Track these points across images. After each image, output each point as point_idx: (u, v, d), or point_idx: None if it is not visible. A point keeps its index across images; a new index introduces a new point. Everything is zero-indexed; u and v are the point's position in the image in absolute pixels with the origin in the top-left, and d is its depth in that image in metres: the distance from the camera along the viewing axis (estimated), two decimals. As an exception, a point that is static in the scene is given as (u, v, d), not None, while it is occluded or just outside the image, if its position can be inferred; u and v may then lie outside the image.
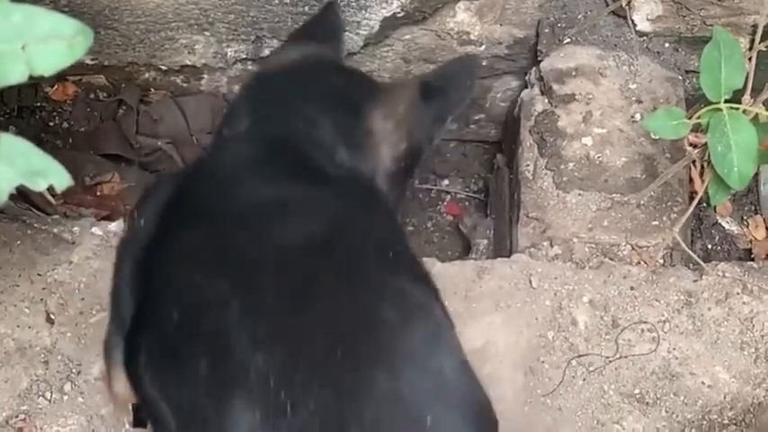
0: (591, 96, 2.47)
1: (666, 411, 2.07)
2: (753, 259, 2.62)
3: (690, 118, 2.03)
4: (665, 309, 2.17)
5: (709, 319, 2.17)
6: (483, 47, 2.67)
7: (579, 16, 2.58)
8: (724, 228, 2.73)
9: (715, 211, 2.74)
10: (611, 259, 2.27)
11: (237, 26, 2.57)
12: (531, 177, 2.41)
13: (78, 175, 2.64)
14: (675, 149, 2.36)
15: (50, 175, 1.17)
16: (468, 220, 2.96)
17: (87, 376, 2.07)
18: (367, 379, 1.40)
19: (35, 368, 2.07)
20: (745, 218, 2.76)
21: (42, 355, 2.09)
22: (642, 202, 2.34)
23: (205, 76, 2.80)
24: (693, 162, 2.25)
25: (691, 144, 2.10)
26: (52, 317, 2.13)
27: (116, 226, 2.27)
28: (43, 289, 2.15)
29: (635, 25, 2.52)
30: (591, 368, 2.11)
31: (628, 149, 2.41)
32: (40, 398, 2.03)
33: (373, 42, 2.64)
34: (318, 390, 1.37)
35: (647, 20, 2.51)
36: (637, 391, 2.09)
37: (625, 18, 2.49)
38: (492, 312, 2.15)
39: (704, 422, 2.07)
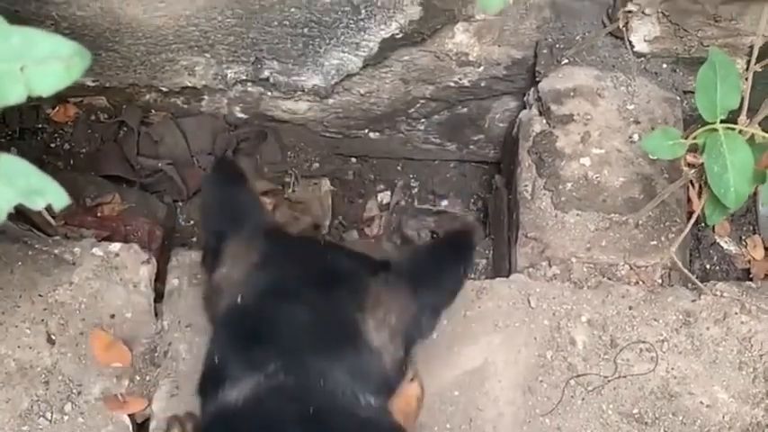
0: (589, 117, 2.48)
1: (665, 431, 2.07)
2: (751, 279, 2.63)
3: (686, 138, 2.03)
4: (664, 328, 2.17)
5: (707, 338, 2.17)
6: (481, 68, 2.68)
7: (577, 37, 2.58)
8: (722, 248, 2.73)
9: (713, 231, 2.74)
10: (609, 279, 2.27)
11: (237, 48, 2.58)
12: (529, 197, 2.41)
13: (79, 197, 2.64)
14: (673, 170, 2.37)
15: (49, 194, 1.17)
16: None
17: (88, 396, 2.08)
18: None
19: (36, 388, 2.07)
20: (743, 238, 2.77)
21: (43, 376, 2.09)
22: (640, 222, 2.34)
23: (205, 97, 2.81)
24: (692, 182, 2.25)
25: (688, 164, 2.09)
26: (53, 337, 2.13)
27: (116, 247, 2.27)
28: (44, 309, 2.16)
29: (632, 46, 2.52)
30: (589, 388, 2.11)
31: (626, 170, 2.41)
32: (41, 418, 2.04)
33: (372, 64, 2.65)
34: None
35: (645, 41, 2.52)
36: (635, 411, 2.09)
37: (623, 39, 2.49)
38: (491, 332, 2.16)
39: (703, 442, 2.08)
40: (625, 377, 2.13)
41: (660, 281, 2.29)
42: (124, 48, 2.56)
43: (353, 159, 3.27)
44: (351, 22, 2.49)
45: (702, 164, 2.01)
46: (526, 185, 2.43)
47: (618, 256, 2.31)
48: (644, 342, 2.16)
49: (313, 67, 2.65)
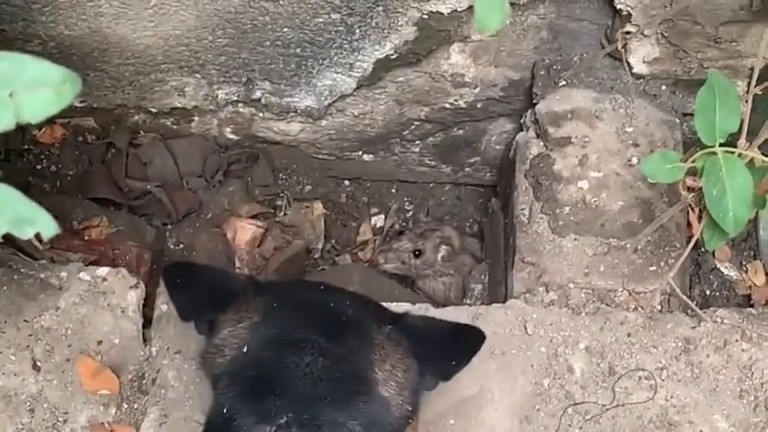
0: (587, 139, 2.46)
1: (665, 461, 2.05)
2: (752, 305, 2.61)
3: (685, 161, 2.01)
4: (663, 356, 2.15)
5: (707, 366, 2.14)
6: (477, 89, 2.67)
7: (575, 58, 2.57)
8: (723, 273, 2.72)
9: (714, 257, 2.73)
10: (607, 305, 2.25)
11: (228, 68, 2.57)
12: (526, 221, 2.39)
13: (66, 220, 2.63)
14: (673, 193, 2.35)
15: (38, 223, 1.16)
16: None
17: (74, 425, 2.06)
18: None
19: (21, 416, 2.05)
20: (744, 263, 2.75)
21: (28, 403, 2.07)
22: (639, 247, 2.32)
23: (195, 118, 2.79)
24: (692, 207, 2.23)
25: (688, 188, 2.07)
26: (38, 364, 2.11)
27: (104, 271, 2.24)
28: (29, 335, 2.13)
29: (631, 68, 2.50)
30: (587, 416, 2.09)
31: (624, 193, 2.39)
32: (26, 446, 2.02)
33: (366, 84, 2.64)
34: None
35: (644, 62, 2.50)
36: (634, 440, 2.07)
37: (621, 60, 2.48)
38: (487, 359, 2.13)
39: (703, 472, 2.05)
40: (623, 406, 2.10)
41: (659, 307, 2.27)
42: (113, 68, 2.55)
43: (347, 182, 3.25)
44: (344, 42, 2.47)
45: (701, 188, 1.99)
46: (523, 209, 2.41)
47: (616, 281, 2.29)
48: (643, 370, 2.13)
49: (306, 87, 2.64)
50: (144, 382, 2.12)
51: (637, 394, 2.11)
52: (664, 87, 2.56)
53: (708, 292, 2.68)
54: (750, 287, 2.69)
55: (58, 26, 2.39)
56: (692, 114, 2.47)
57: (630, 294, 2.27)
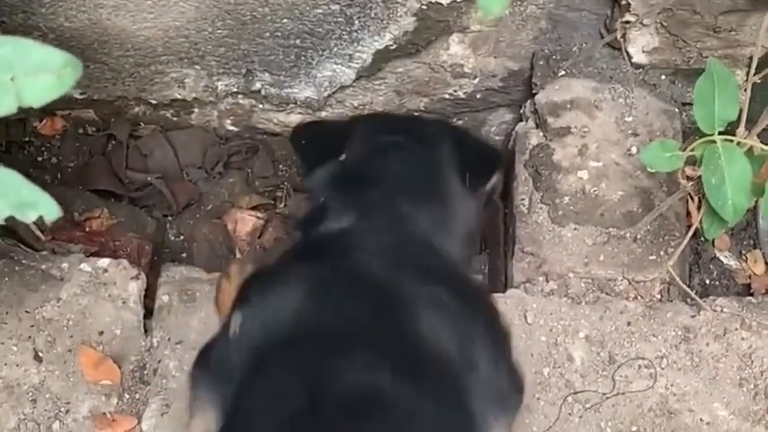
0: (586, 129, 2.46)
1: (664, 449, 2.06)
2: (752, 294, 2.60)
3: (684, 150, 2.01)
4: (663, 344, 2.16)
5: (707, 354, 2.15)
6: (477, 79, 2.66)
7: (574, 48, 2.57)
8: (722, 262, 2.71)
9: (713, 246, 2.72)
10: (607, 294, 2.25)
11: (228, 59, 2.56)
12: (526, 211, 2.39)
13: (67, 211, 2.61)
14: (672, 183, 2.34)
15: (40, 206, 1.18)
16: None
17: (76, 415, 2.06)
18: None
19: (23, 407, 2.05)
20: (743, 252, 2.74)
21: (30, 394, 2.07)
22: (639, 236, 2.32)
23: (196, 109, 2.79)
24: (692, 196, 2.23)
25: (687, 177, 2.07)
26: (40, 354, 2.11)
27: (105, 262, 2.25)
28: (31, 326, 2.14)
29: (630, 57, 2.50)
30: (587, 405, 2.09)
31: (624, 183, 2.39)
32: (28, 437, 2.01)
33: (366, 75, 2.63)
34: None
35: (643, 52, 2.50)
36: (634, 429, 2.07)
37: (620, 50, 2.47)
38: (487, 348, 2.12)
39: (703, 460, 2.05)
40: (623, 394, 2.11)
41: (659, 296, 2.27)
42: (113, 60, 2.54)
43: (346, 173, 3.24)
44: (344, 33, 2.47)
45: (701, 176, 1.99)
46: (523, 199, 2.41)
47: (616, 270, 2.29)
48: (642, 358, 2.14)
49: (305, 78, 2.63)
50: (145, 372, 2.12)
51: (637, 383, 2.11)
52: (663, 77, 2.56)
53: (707, 282, 2.68)
54: (750, 276, 2.68)
55: (58, 18, 2.39)
56: (691, 104, 2.46)
57: (630, 283, 2.27)
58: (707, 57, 2.40)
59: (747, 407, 2.10)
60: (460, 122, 2.89)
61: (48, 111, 2.80)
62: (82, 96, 2.70)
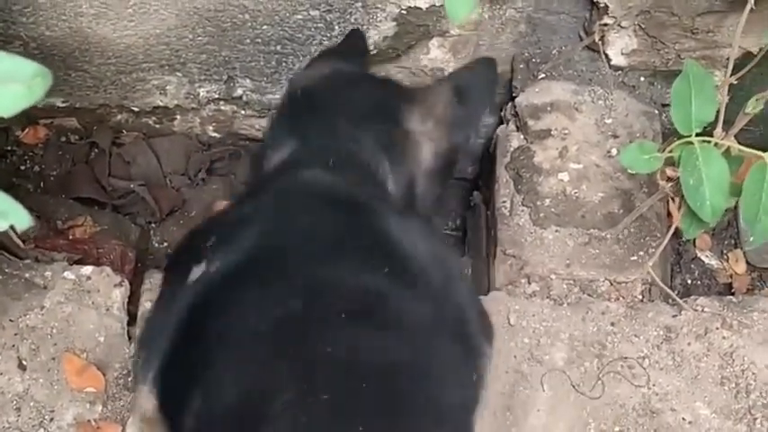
0: (567, 132, 2.47)
1: (647, 448, 2.06)
2: (733, 293, 2.62)
3: (662, 151, 2.02)
4: (645, 345, 2.16)
5: (689, 354, 2.15)
6: (458, 83, 2.66)
7: (554, 51, 2.58)
8: (704, 262, 2.72)
9: (695, 246, 2.74)
10: (589, 295, 2.26)
11: (209, 66, 2.56)
12: (507, 214, 2.39)
13: (50, 219, 2.62)
14: (652, 184, 2.35)
15: (11, 215, 1.16)
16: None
17: (61, 422, 2.06)
18: None
19: (7, 415, 2.05)
20: (725, 252, 2.76)
21: (14, 402, 2.07)
22: (620, 237, 2.33)
23: (178, 116, 2.79)
24: (672, 197, 2.24)
25: (668, 178, 2.09)
26: (24, 363, 2.11)
27: (88, 270, 2.25)
28: (15, 335, 2.14)
29: (609, 60, 2.51)
30: (570, 406, 2.09)
31: (605, 185, 2.40)
32: (13, 445, 2.02)
33: (347, 81, 2.62)
34: None
35: (622, 54, 2.51)
36: (617, 429, 2.08)
37: (599, 53, 2.49)
38: (470, 351, 2.13)
39: (686, 459, 2.06)
40: (606, 394, 2.11)
41: (641, 296, 2.28)
42: (94, 68, 2.54)
43: (330, 177, 3.24)
44: (324, 38, 2.47)
45: (680, 177, 2.00)
46: (504, 202, 2.42)
47: (598, 272, 2.30)
48: (625, 359, 2.14)
49: (287, 84, 2.63)
50: (129, 379, 2.11)
51: (619, 383, 2.12)
52: (642, 79, 2.57)
53: (689, 281, 2.69)
54: (731, 275, 2.70)
55: (39, 27, 2.39)
56: (670, 105, 2.48)
57: (612, 284, 2.28)
58: (685, 58, 2.42)
59: (729, 405, 2.11)
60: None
61: (30, 120, 2.80)
62: (64, 105, 2.69)
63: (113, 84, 2.61)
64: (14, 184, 2.75)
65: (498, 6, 2.46)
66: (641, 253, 2.31)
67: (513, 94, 2.58)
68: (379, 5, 2.38)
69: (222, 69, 2.58)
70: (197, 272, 1.65)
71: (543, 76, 2.57)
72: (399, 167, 1.87)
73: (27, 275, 2.22)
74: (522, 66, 2.59)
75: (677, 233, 2.19)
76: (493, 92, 2.12)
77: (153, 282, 2.25)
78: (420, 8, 2.38)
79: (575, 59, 2.57)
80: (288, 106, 1.99)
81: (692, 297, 2.27)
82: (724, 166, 1.96)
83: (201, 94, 2.65)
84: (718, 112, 2.00)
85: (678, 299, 2.22)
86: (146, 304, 2.21)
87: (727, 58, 2.07)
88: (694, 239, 2.69)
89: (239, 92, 2.65)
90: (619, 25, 2.42)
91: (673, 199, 2.15)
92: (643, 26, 2.43)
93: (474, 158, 2.97)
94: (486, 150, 2.76)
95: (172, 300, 1.69)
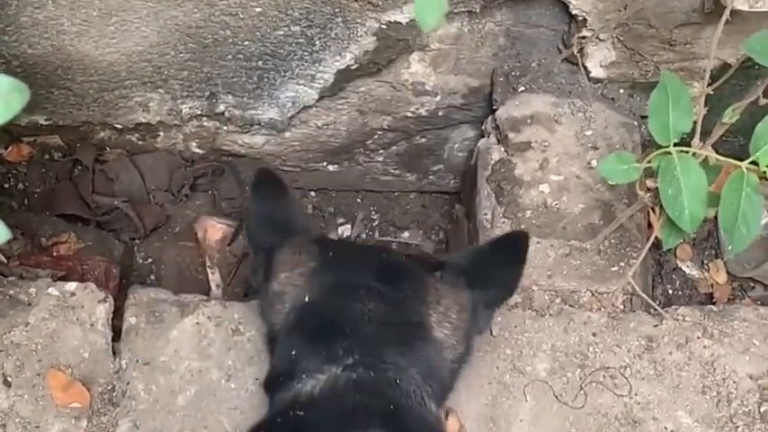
0: (547, 144, 2.47)
1: (630, 457, 2.07)
2: (714, 303, 2.63)
3: (641, 162, 2.03)
4: (627, 354, 2.17)
5: (670, 363, 2.16)
6: (438, 97, 2.68)
7: (533, 64, 2.59)
8: (685, 272, 2.73)
9: (676, 256, 2.75)
10: (571, 306, 2.26)
11: (191, 83, 2.57)
12: (489, 226, 2.40)
13: (34, 236, 2.62)
14: (632, 195, 2.35)
15: None
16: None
17: (46, 438, 2.05)
18: None
19: (-8, 432, 2.04)
20: (705, 262, 2.77)
21: (0, 419, 2.06)
22: (601, 248, 2.33)
23: (161, 133, 2.80)
24: (653, 208, 2.25)
25: (648, 189, 2.10)
26: (9, 379, 2.11)
27: (72, 286, 2.25)
28: (0, 351, 2.13)
29: (588, 72, 2.52)
30: (553, 416, 2.10)
31: (585, 196, 2.41)
32: (-2, 462, 2.02)
33: (328, 95, 2.64)
34: None
35: (601, 66, 2.52)
36: (600, 438, 2.08)
37: (578, 65, 2.50)
38: (452, 362, 2.14)
39: (668, 467, 2.07)
40: (589, 404, 2.12)
41: (622, 307, 2.28)
42: (77, 85, 2.55)
43: (312, 193, 3.26)
44: (305, 53, 2.48)
45: (658, 187, 2.02)
46: (486, 214, 2.43)
47: (579, 282, 2.30)
48: (607, 368, 2.15)
49: (269, 100, 2.65)
50: (114, 394, 2.12)
51: (601, 393, 2.13)
52: (621, 91, 2.58)
53: (670, 292, 2.70)
54: (712, 285, 2.71)
55: (21, 45, 2.39)
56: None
57: (593, 295, 2.28)
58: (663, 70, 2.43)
59: (711, 414, 2.11)
60: (424, 140, 2.91)
61: (13, 138, 2.80)
62: (47, 122, 2.70)
63: (96, 101, 2.62)
64: (-2, 202, 2.77)
65: (477, 20, 2.46)
66: (622, 263, 2.31)
67: (494, 107, 2.58)
68: (359, 20, 2.39)
69: (204, 86, 2.59)
70: None
71: (523, 88, 2.57)
72: (434, 389, 1.89)
73: (11, 292, 2.22)
74: (501, 79, 2.59)
75: (658, 244, 2.19)
76: (514, 286, 2.06)
77: (137, 297, 2.25)
78: (400, 23, 2.39)
79: (554, 72, 2.58)
80: (306, 319, 1.91)
81: (674, 307, 2.28)
82: (702, 175, 1.97)
83: (184, 110, 2.66)
84: (695, 122, 2.02)
85: (659, 308, 2.22)
86: (130, 320, 2.21)
87: (705, 70, 2.08)
88: (675, 250, 2.71)
89: (221, 108, 2.66)
90: (597, 38, 2.43)
91: (653, 209, 2.16)
92: (621, 38, 2.44)
93: (456, 172, 2.98)
94: (468, 163, 2.78)
95: None
